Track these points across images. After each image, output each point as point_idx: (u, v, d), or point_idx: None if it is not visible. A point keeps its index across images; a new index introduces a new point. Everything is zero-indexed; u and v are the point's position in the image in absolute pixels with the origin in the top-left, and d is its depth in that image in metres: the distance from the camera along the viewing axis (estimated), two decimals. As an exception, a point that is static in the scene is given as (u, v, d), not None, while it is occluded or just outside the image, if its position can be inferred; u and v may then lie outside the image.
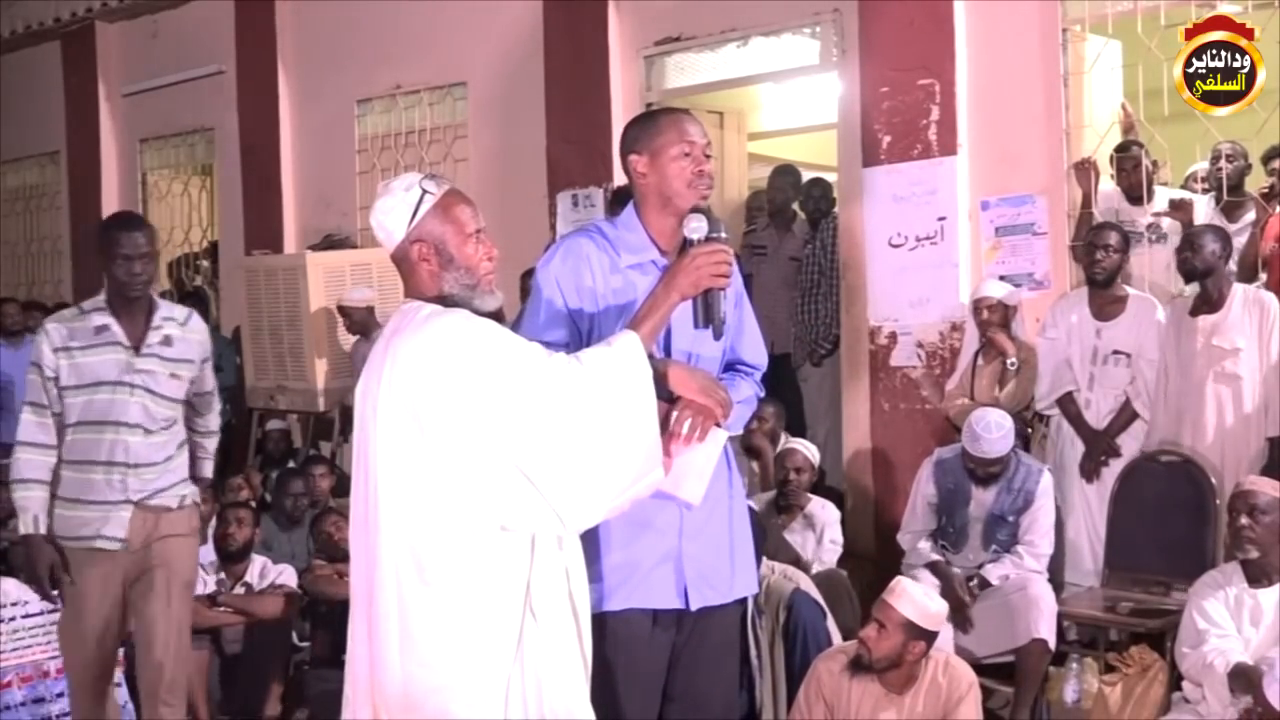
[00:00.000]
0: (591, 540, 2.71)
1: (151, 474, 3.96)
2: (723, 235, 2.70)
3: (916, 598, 3.81)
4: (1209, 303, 4.94)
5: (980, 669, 4.20)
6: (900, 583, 3.90)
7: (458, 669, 2.43)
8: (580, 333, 2.87)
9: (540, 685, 2.47)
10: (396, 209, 2.57)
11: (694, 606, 2.90)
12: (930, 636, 3.82)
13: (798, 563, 4.92)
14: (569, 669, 2.52)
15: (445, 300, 2.53)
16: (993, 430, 4.81)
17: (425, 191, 2.58)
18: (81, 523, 3.88)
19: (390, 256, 2.61)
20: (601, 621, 2.84)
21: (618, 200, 6.51)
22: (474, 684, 2.43)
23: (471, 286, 2.56)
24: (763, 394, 3.13)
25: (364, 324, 7.06)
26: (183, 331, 4.11)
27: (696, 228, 2.71)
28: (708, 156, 2.87)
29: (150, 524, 3.95)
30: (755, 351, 3.09)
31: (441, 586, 2.42)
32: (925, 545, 4.93)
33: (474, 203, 2.66)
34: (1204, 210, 5.63)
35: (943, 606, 3.93)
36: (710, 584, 2.93)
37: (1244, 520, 3.95)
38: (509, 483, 2.40)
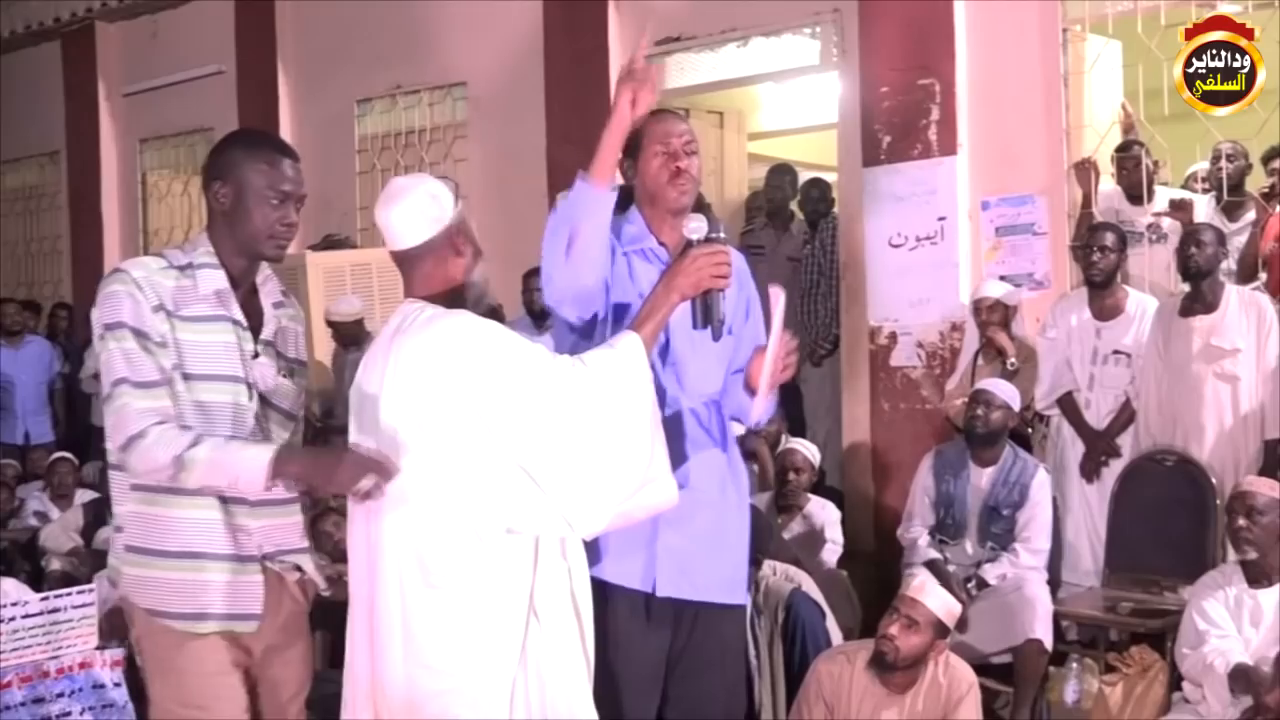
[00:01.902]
0: None
1: (279, 518, 2.67)
2: (722, 236, 2.72)
3: (943, 594, 3.84)
4: (1203, 303, 4.93)
5: (980, 669, 4.20)
6: (925, 579, 3.91)
7: (462, 671, 2.44)
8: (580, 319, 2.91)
9: (544, 687, 2.48)
10: (430, 206, 2.57)
11: (661, 594, 2.89)
12: (949, 634, 3.84)
13: (798, 563, 4.92)
14: (572, 670, 2.53)
15: (457, 291, 2.57)
16: (1000, 384, 4.97)
17: (460, 196, 2.65)
18: (193, 595, 2.54)
19: (406, 254, 2.60)
20: (599, 588, 2.84)
21: (622, 197, 6.50)
22: (478, 686, 2.44)
23: (483, 291, 2.64)
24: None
25: (355, 336, 6.86)
26: (291, 320, 2.81)
27: (696, 228, 2.72)
28: (691, 153, 2.89)
29: (275, 596, 2.68)
30: None
31: (446, 589, 2.43)
32: (923, 543, 4.94)
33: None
34: (1204, 210, 5.63)
35: (958, 604, 3.96)
36: (687, 577, 2.90)
37: (1242, 521, 3.95)
38: (513, 484, 2.40)
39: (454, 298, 2.57)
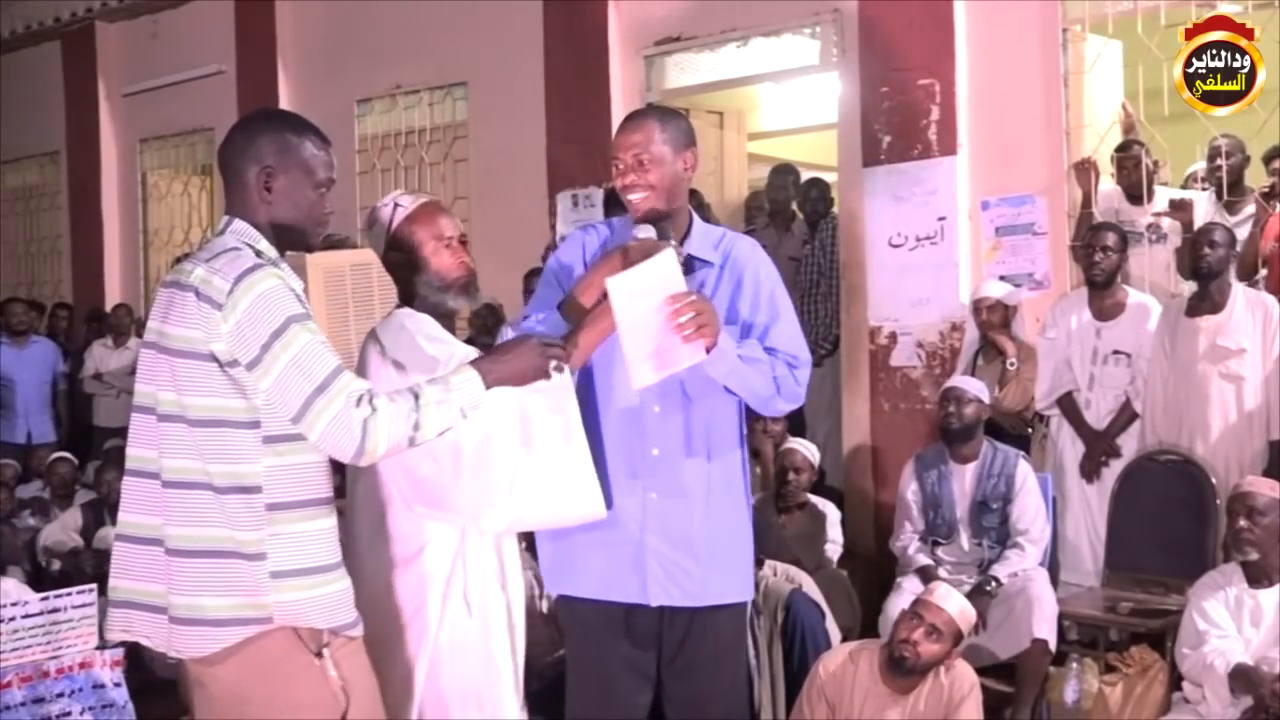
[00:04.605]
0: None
1: None
2: (670, 241, 2.74)
3: (962, 601, 3.89)
4: (1210, 303, 4.93)
5: (981, 669, 4.21)
6: (945, 586, 3.96)
7: (380, 636, 2.62)
8: None
9: (466, 671, 2.69)
10: (378, 222, 2.87)
11: (654, 604, 2.88)
12: (962, 641, 3.90)
13: (798, 563, 4.92)
14: (499, 666, 2.75)
15: (419, 301, 2.84)
16: (968, 380, 5.06)
17: (398, 205, 2.86)
18: (350, 599, 2.47)
19: None
20: (573, 611, 2.97)
21: (609, 201, 6.51)
22: (394, 654, 2.66)
23: (442, 289, 2.83)
24: (798, 388, 2.91)
25: None
26: None
27: (645, 237, 2.74)
28: (644, 163, 2.83)
29: None
30: (788, 340, 2.95)
31: (372, 560, 2.68)
32: (913, 550, 4.92)
33: (450, 213, 2.94)
34: (1205, 207, 5.62)
35: (974, 611, 4.01)
36: (677, 583, 2.88)
37: (1243, 522, 3.94)
38: (430, 464, 2.61)
39: (423, 300, 2.85)
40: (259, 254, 2.37)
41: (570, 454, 2.62)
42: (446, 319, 2.86)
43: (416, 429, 2.32)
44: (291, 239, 2.48)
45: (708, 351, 2.65)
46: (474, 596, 2.70)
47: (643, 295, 2.61)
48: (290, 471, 2.32)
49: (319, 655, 2.36)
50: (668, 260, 2.63)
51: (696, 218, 3.03)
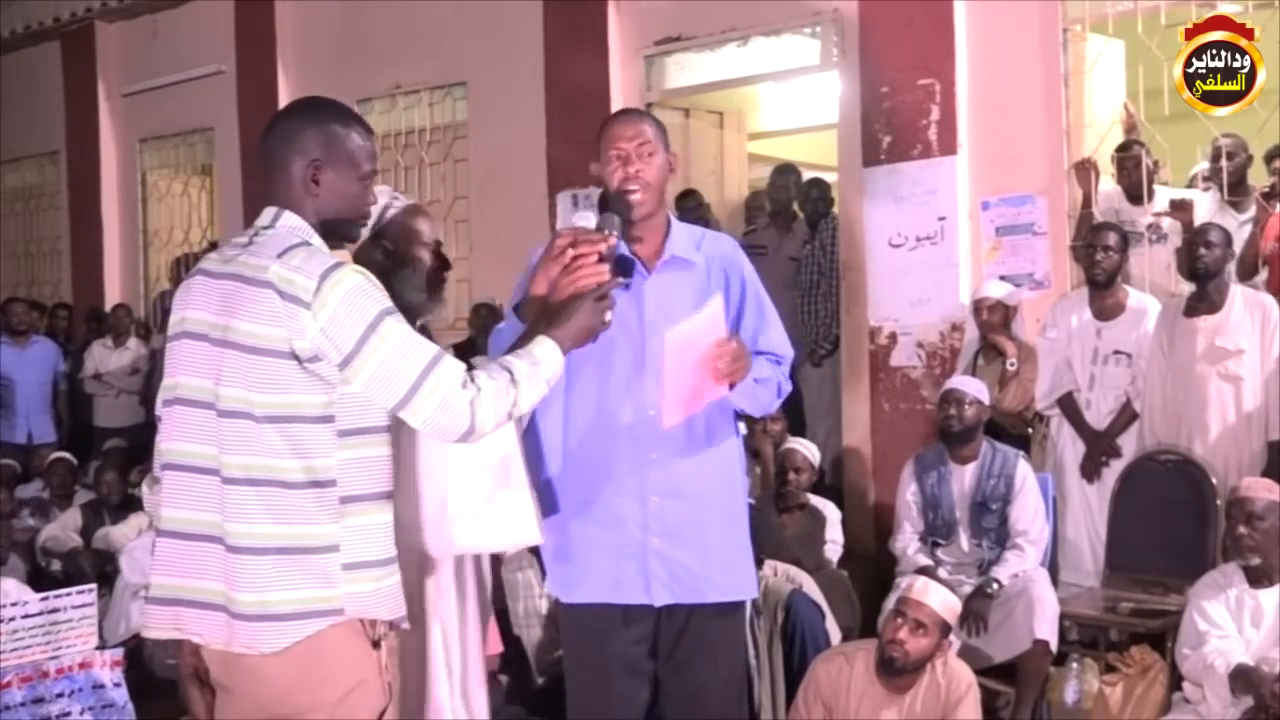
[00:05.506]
0: (558, 530, 2.86)
1: None
2: (610, 233, 2.63)
3: (944, 593, 3.87)
4: (1208, 304, 4.93)
5: (981, 669, 4.20)
6: (924, 580, 3.94)
7: None
8: None
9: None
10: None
11: (658, 603, 2.89)
12: (950, 631, 3.87)
13: (798, 563, 4.92)
14: (435, 672, 2.71)
15: (400, 299, 2.76)
16: (967, 380, 5.03)
17: (389, 205, 2.79)
18: (401, 592, 2.44)
19: None
20: (570, 614, 2.95)
21: (604, 202, 6.51)
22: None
23: (417, 290, 2.77)
24: (788, 386, 3.00)
25: None
26: None
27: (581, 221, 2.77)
28: (646, 155, 2.82)
29: None
30: (778, 341, 2.99)
31: None
32: (912, 551, 4.92)
33: (431, 218, 2.89)
34: (1209, 206, 5.61)
35: (958, 601, 4.00)
36: (681, 581, 2.90)
37: (1242, 529, 3.91)
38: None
39: (400, 299, 2.78)
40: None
41: (508, 485, 2.61)
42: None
43: (515, 404, 2.33)
44: (336, 232, 2.43)
45: (732, 387, 2.76)
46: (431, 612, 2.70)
47: (694, 344, 2.70)
48: (362, 465, 2.30)
49: (375, 646, 2.35)
50: (715, 308, 2.71)
51: (673, 219, 3.03)
